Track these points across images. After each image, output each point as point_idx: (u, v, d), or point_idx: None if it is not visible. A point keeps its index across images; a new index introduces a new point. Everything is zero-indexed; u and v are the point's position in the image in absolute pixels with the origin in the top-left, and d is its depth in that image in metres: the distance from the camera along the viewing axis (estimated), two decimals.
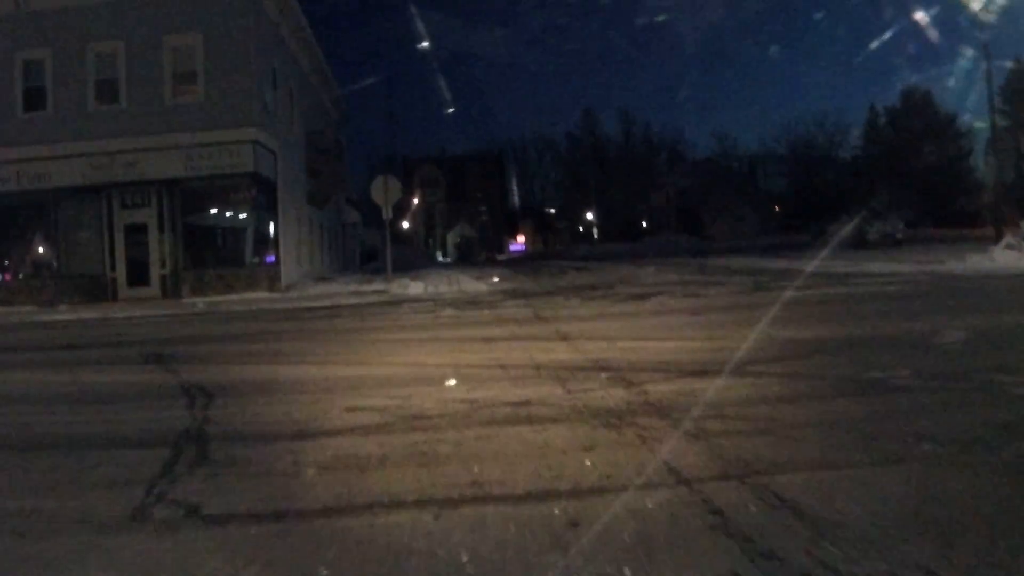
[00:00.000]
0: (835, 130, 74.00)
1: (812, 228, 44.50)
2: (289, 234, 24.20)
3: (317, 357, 8.65)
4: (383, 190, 21.27)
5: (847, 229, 38.78)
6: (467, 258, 79.80)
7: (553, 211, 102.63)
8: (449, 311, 13.70)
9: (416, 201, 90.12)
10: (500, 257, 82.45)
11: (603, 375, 6.39)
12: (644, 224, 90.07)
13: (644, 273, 22.78)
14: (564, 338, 9.00)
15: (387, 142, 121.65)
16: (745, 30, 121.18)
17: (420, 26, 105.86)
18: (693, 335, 8.89)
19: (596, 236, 69.45)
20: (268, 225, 22.48)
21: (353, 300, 18.03)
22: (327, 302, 17.75)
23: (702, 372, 6.30)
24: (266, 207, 22.44)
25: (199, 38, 21.20)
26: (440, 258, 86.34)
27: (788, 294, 13.54)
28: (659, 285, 17.44)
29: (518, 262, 47.76)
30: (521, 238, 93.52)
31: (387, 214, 21.40)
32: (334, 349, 9.42)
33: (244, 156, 20.97)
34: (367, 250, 49.42)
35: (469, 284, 22.09)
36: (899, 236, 38.39)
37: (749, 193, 74.90)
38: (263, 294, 20.96)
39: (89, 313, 17.86)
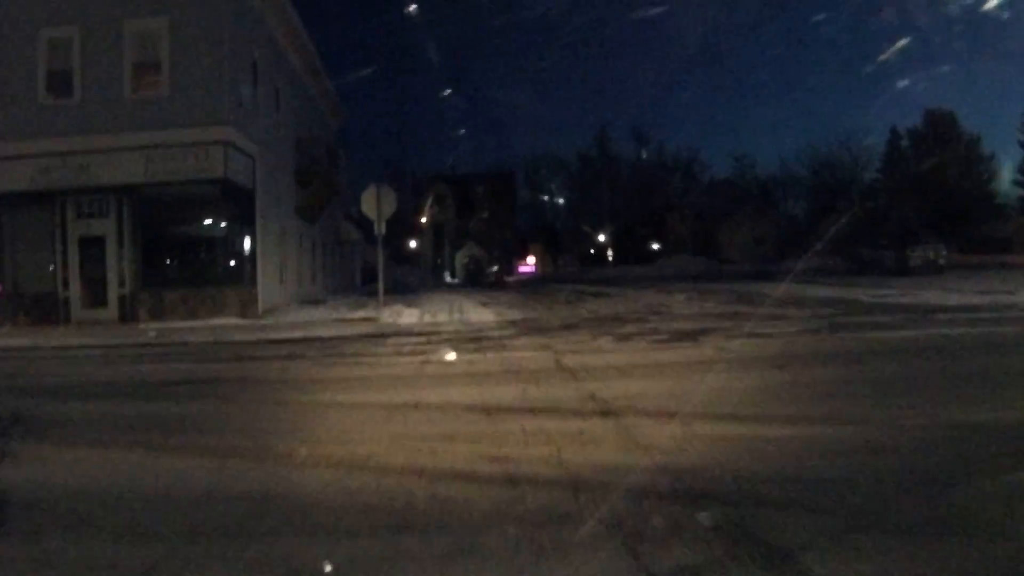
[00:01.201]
0: (860, 150, 70.74)
1: (845, 253, 41.39)
2: (270, 251, 21.13)
3: (208, 437, 5.45)
4: (375, 201, 18.20)
5: (886, 254, 35.71)
6: (475, 279, 76.75)
7: (564, 232, 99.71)
8: (443, 353, 10.52)
9: (424, 220, 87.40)
10: (509, 279, 79.31)
11: (704, 516, 3.27)
12: (656, 246, 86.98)
13: (674, 301, 19.59)
14: (606, 411, 5.84)
15: (395, 159, 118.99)
16: (763, 52, 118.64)
17: (431, 44, 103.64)
18: (817, 412, 5.67)
19: (610, 258, 66.21)
20: (243, 240, 19.40)
21: (333, 331, 14.87)
22: (301, 333, 14.58)
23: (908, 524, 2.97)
24: (241, 219, 19.34)
25: (165, 23, 18.17)
26: (448, 279, 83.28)
27: (879, 336, 10.34)
28: (702, 318, 14.19)
29: (528, 284, 44.70)
30: (532, 259, 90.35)
31: (379, 229, 18.29)
32: (252, 420, 6.23)
33: (213, 159, 17.90)
34: (370, 270, 46.37)
35: (474, 312, 18.93)
36: (941, 262, 35.23)
37: (768, 215, 71.62)
38: (233, 320, 17.84)
39: (17, 339, 14.80)
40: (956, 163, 69.57)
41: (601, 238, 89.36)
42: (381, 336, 13.76)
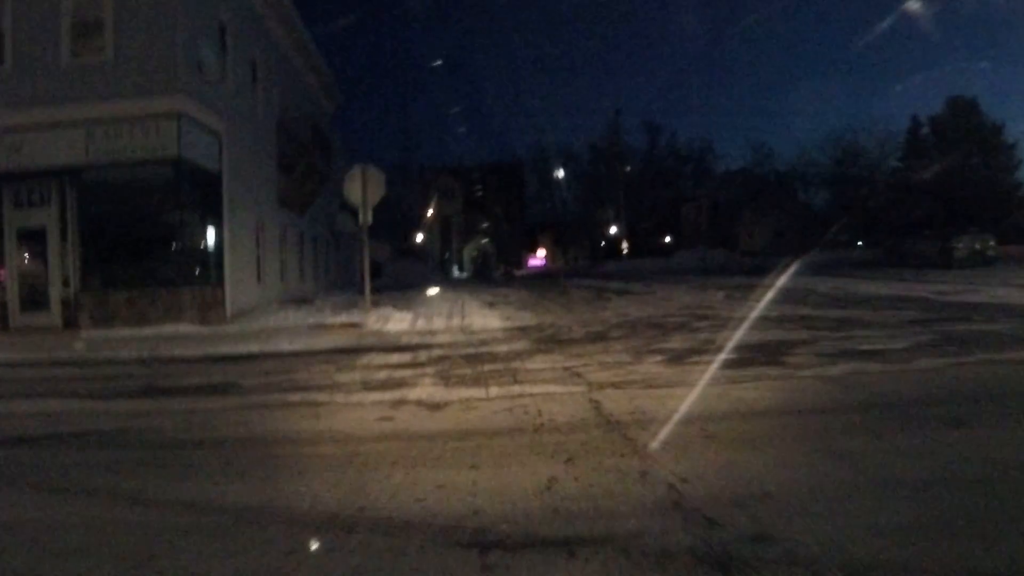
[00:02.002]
0: (886, 136, 67.09)
1: (883, 245, 38.19)
2: (242, 245, 18.11)
3: None
4: (359, 185, 15.13)
5: (929, 246, 32.51)
6: (483, 273, 73.76)
7: (574, 224, 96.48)
8: (429, 385, 7.37)
9: (431, 213, 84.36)
10: (518, 272, 76.27)
11: None
12: (668, 239, 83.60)
13: (715, 300, 16.43)
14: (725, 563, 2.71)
15: (402, 151, 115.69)
16: (776, 39, 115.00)
17: (437, 33, 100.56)
18: None
19: (625, 251, 62.99)
20: (206, 232, 16.35)
21: (300, 343, 11.75)
22: (257, 347, 11.44)
23: None
24: (204, 207, 16.29)
25: None
26: (457, 273, 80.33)
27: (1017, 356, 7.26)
28: (764, 325, 10.91)
29: (539, 279, 41.57)
30: (542, 252, 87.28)
31: (364, 217, 15.23)
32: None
33: (166, 135, 14.81)
34: (372, 265, 43.33)
35: (478, 315, 15.84)
36: (991, 253, 31.99)
37: (787, 206, 68.18)
38: (190, 327, 14.78)
39: None
40: (979, 151, 66.09)
41: (613, 230, 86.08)
42: (355, 352, 10.68)
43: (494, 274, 74.45)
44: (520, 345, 10.36)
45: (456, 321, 14.46)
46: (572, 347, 9.77)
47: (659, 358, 8.28)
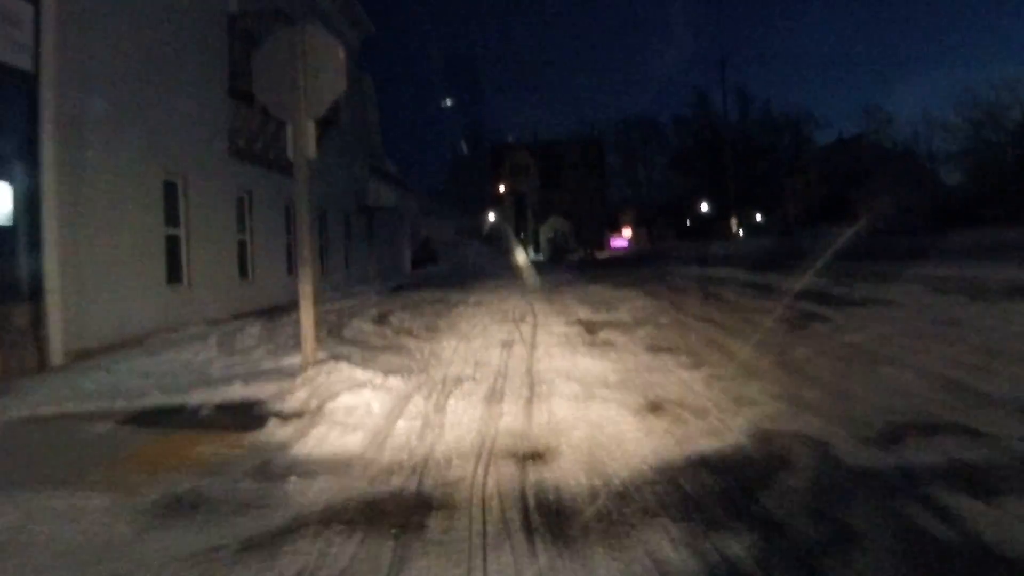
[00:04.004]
0: None
1: None
2: (106, 217, 9.28)
3: None
4: (283, 61, 6.20)
5: None
6: (560, 256, 64.51)
7: (658, 203, 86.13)
8: None
9: (503, 190, 75.35)
10: (600, 255, 66.69)
11: None
12: (757, 217, 72.62)
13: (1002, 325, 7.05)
14: None
15: (471, 125, 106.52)
16: None
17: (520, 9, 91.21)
18: None
19: (738, 231, 52.48)
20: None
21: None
22: None
23: None
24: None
25: None
26: (532, 255, 71.22)
27: None
28: None
29: (631, 265, 32.32)
30: (628, 232, 77.24)
31: (299, 137, 6.34)
32: None
33: None
34: (424, 247, 34.58)
35: (556, 355, 6.85)
36: None
37: (914, 177, 56.57)
38: None
39: None
40: None
41: (704, 208, 75.44)
42: None
43: (572, 257, 65.15)
44: None
45: (506, 411, 5.26)
46: None
47: None
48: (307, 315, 6.33)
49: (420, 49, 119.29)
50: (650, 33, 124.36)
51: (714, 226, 73.55)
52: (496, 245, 57.75)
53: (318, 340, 6.80)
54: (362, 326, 10.32)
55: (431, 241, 36.45)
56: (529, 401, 5.31)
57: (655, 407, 4.92)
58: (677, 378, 5.86)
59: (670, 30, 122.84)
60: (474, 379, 6.20)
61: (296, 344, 7.04)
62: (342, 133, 20.71)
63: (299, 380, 5.85)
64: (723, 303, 11.27)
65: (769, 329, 8.36)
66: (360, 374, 5.98)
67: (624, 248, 72.13)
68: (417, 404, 5.32)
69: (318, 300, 7.27)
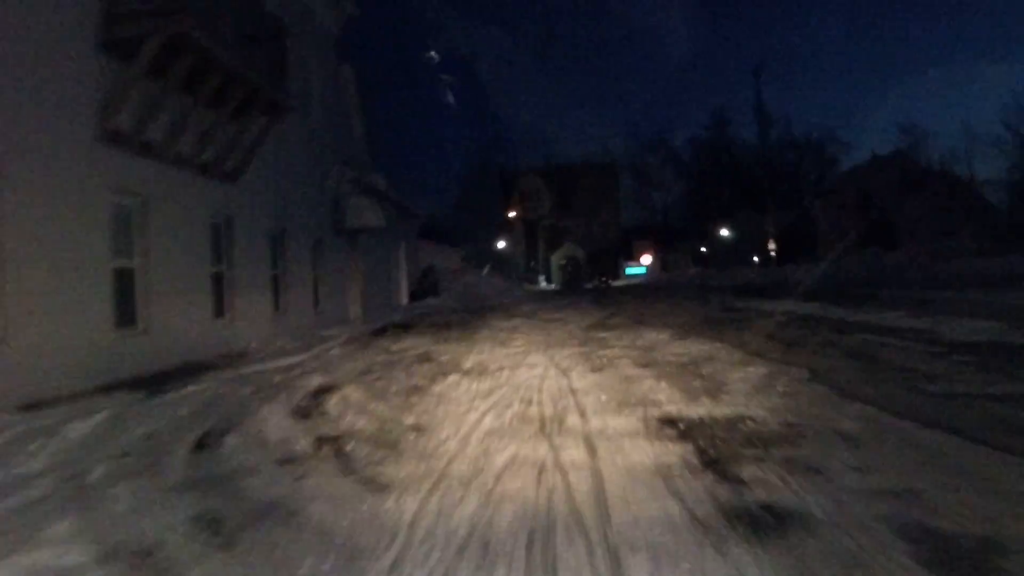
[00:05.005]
0: None
1: None
2: None
3: None
4: None
5: None
6: (574, 284, 59.64)
7: (676, 228, 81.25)
8: None
9: (514, 216, 70.75)
10: (615, 283, 61.88)
11: None
12: (770, 244, 67.55)
13: None
14: None
15: (481, 149, 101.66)
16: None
17: (522, 22, 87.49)
18: None
19: (772, 254, 47.40)
20: None
21: None
22: None
23: None
24: None
25: None
26: (543, 284, 66.48)
27: None
28: None
29: (662, 294, 27.57)
30: (647, 258, 72.44)
31: None
32: None
33: None
34: (426, 278, 29.83)
35: None
36: None
37: (959, 198, 51.62)
38: None
39: None
40: None
41: (724, 232, 70.52)
42: None
43: (586, 284, 60.33)
44: None
45: None
46: None
47: None
48: None
49: (426, 63, 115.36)
50: (661, 48, 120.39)
51: (737, 253, 68.73)
52: (508, 272, 53.09)
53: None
54: (266, 427, 5.58)
55: (434, 270, 31.69)
56: None
57: None
58: None
59: (681, 44, 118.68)
60: None
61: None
62: (313, 133, 16.08)
63: None
64: (924, 376, 6.37)
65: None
66: None
67: (642, 275, 67.40)
68: None
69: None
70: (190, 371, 9.03)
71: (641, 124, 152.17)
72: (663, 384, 6.51)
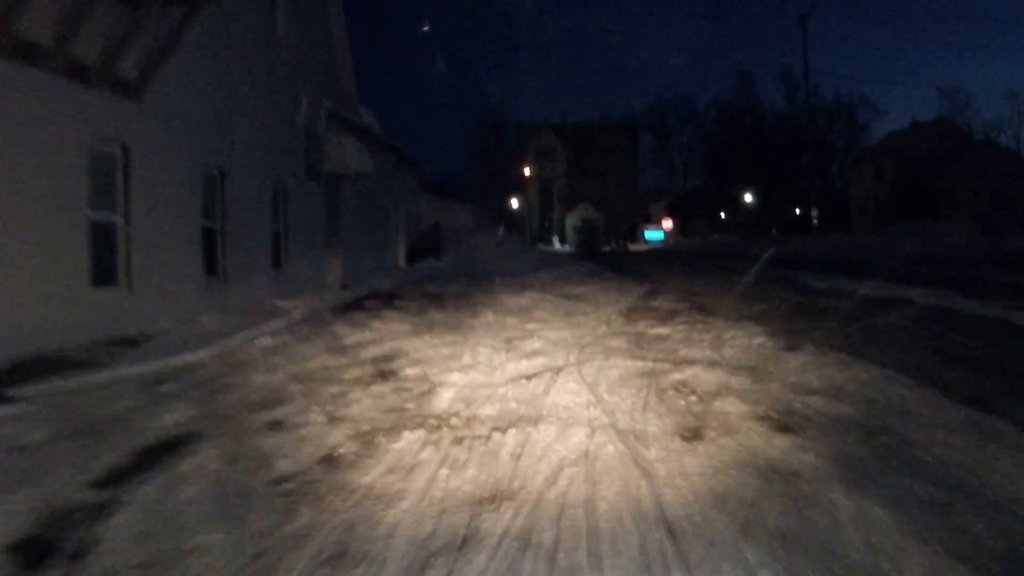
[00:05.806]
0: None
1: None
2: None
3: None
4: None
5: None
6: (590, 247, 55.82)
7: (696, 192, 77.01)
8: None
9: (528, 175, 66.67)
10: (634, 247, 58.12)
11: None
12: (803, 212, 63.41)
13: None
14: None
15: (495, 105, 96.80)
16: None
17: None
18: None
19: (815, 222, 42.80)
20: None
21: None
22: None
23: None
24: None
25: None
26: (558, 245, 62.60)
27: None
28: None
29: (691, 261, 23.94)
30: (668, 223, 68.27)
31: None
32: None
33: None
34: (426, 237, 26.22)
35: None
36: None
37: (1006, 167, 47.33)
38: None
39: None
40: None
41: (748, 198, 66.40)
42: None
43: (602, 248, 56.52)
44: None
45: None
46: None
47: None
48: None
49: (439, 17, 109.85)
50: (686, 5, 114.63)
51: (762, 219, 64.69)
52: (521, 233, 49.43)
53: None
54: None
55: (440, 228, 28.10)
56: None
57: None
58: None
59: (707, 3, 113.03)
60: None
61: None
62: (278, 52, 12.38)
63: None
64: None
65: None
66: None
67: (660, 241, 63.51)
68: None
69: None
70: (42, 367, 5.54)
71: (663, 82, 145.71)
72: (884, 520, 2.87)
